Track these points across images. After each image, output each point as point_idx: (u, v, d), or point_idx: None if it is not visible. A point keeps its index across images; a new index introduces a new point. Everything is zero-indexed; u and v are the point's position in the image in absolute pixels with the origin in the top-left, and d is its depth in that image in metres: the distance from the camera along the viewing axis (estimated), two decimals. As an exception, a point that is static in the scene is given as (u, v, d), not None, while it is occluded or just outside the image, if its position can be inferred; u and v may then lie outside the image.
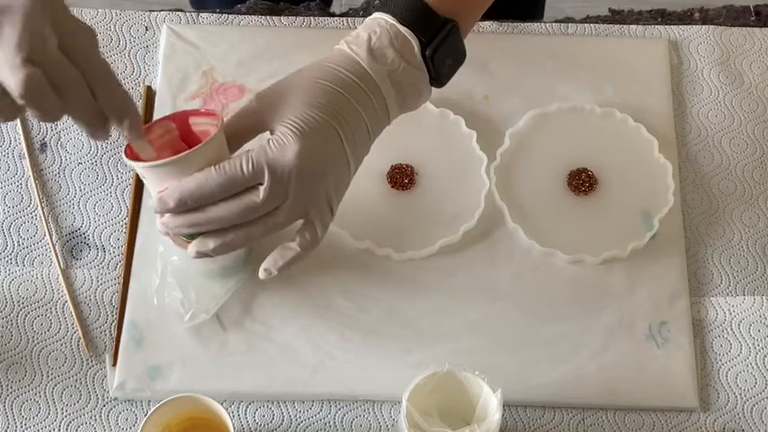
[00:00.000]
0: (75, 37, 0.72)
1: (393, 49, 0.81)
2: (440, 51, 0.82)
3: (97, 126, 0.75)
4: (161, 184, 0.79)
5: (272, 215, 0.78)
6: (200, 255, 0.80)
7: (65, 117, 0.98)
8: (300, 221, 0.81)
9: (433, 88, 0.85)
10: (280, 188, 0.77)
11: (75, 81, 0.72)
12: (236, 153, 0.80)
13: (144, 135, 0.78)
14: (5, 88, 0.70)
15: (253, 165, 0.76)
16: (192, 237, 0.81)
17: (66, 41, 0.71)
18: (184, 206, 0.77)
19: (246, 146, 0.82)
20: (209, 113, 0.82)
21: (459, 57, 0.85)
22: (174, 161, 0.77)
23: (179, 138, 0.82)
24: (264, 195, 0.77)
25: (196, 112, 0.83)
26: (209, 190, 0.77)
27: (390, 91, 0.81)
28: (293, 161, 0.76)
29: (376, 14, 0.83)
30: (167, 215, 0.79)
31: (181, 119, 0.82)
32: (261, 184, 0.77)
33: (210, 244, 0.79)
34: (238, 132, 0.81)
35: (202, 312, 0.89)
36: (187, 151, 0.77)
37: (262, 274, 0.82)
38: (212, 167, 0.77)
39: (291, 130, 0.77)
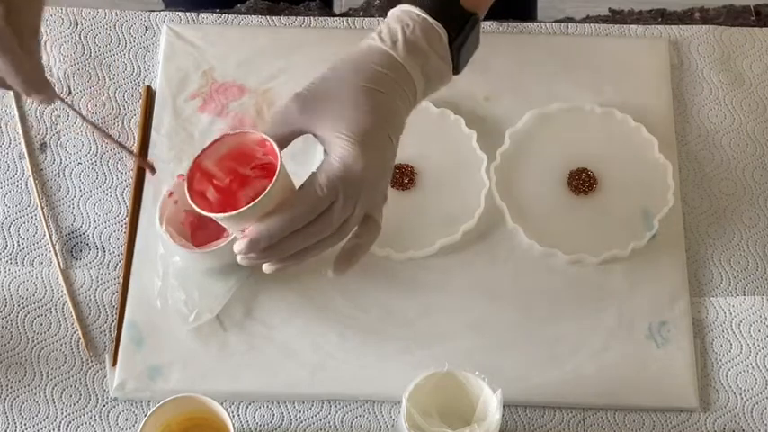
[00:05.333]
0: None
1: (426, 41, 0.81)
2: (466, 44, 0.83)
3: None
4: (240, 225, 0.78)
5: (343, 226, 0.79)
6: (276, 272, 0.81)
7: (65, 117, 0.98)
8: None
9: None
10: (351, 202, 0.78)
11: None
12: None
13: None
14: None
15: (328, 187, 0.77)
16: None
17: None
18: (272, 242, 0.77)
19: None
20: (259, 142, 0.80)
21: (476, 46, 0.87)
22: (252, 207, 0.76)
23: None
24: (338, 213, 0.78)
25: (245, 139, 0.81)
26: (296, 222, 0.77)
27: (421, 81, 0.82)
28: (362, 176, 0.77)
29: (406, 7, 0.83)
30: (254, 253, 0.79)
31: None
32: (334, 201, 0.77)
33: (288, 265, 0.81)
34: (281, 139, 0.80)
35: (206, 312, 0.89)
36: (262, 195, 0.76)
37: (331, 275, 0.83)
38: (293, 200, 0.77)
39: (351, 143, 0.78)
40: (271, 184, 0.76)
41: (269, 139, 0.78)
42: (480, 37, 0.86)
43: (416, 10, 0.82)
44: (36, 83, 0.80)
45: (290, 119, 0.80)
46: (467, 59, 0.86)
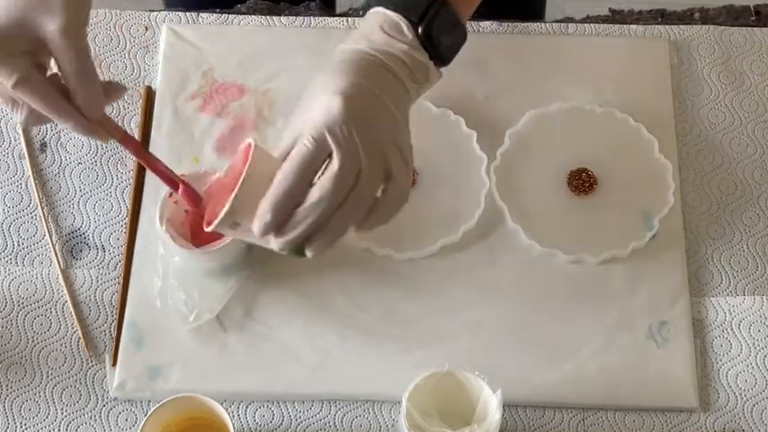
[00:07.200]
0: (50, 43, 0.77)
1: (382, 31, 0.82)
2: (434, 29, 0.82)
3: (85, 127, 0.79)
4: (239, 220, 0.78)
5: (359, 183, 0.77)
6: (318, 254, 0.79)
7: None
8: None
9: (443, 70, 0.86)
10: (348, 146, 0.76)
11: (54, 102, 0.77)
12: None
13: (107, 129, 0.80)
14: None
15: (312, 136, 0.76)
16: (300, 252, 0.79)
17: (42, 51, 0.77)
18: (280, 211, 0.76)
19: None
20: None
21: (457, 34, 0.85)
22: (237, 193, 0.77)
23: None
24: (339, 157, 0.75)
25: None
26: (291, 182, 0.76)
27: (399, 64, 0.81)
28: (342, 112, 0.76)
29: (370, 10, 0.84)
30: (277, 238, 0.78)
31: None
32: (330, 154, 0.76)
33: (320, 239, 0.78)
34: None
35: (206, 312, 0.89)
36: (242, 179, 0.77)
37: (356, 232, 0.81)
38: (282, 164, 0.77)
39: (325, 94, 0.77)
40: (246, 167, 0.76)
41: (253, 141, 0.78)
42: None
43: (377, 8, 0.83)
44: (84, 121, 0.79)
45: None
46: (451, 49, 0.85)
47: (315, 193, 0.76)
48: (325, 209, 0.76)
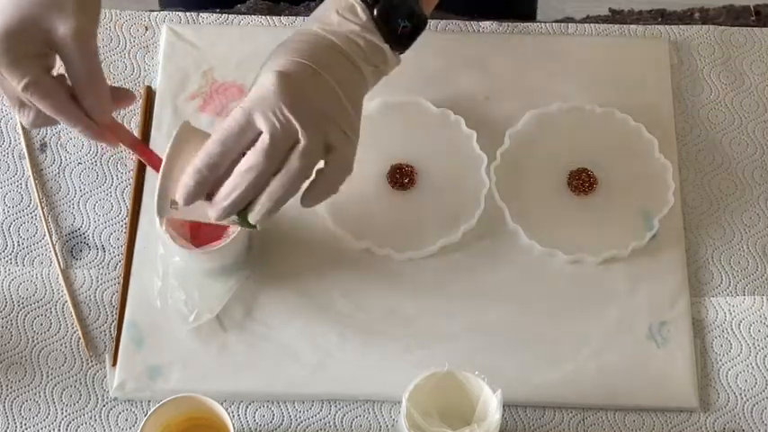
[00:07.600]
0: (60, 48, 0.77)
1: (336, 14, 0.82)
2: (389, 11, 0.83)
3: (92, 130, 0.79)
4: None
5: (292, 155, 0.77)
6: (263, 219, 0.79)
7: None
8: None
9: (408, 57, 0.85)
10: (277, 121, 0.76)
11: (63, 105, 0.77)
12: None
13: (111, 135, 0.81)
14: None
15: (241, 108, 0.77)
16: (244, 221, 0.80)
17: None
18: (202, 179, 0.77)
19: None
20: None
21: (415, 20, 0.84)
22: (166, 162, 0.77)
23: None
24: (267, 131, 0.76)
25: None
26: (213, 151, 0.77)
27: (351, 46, 0.82)
28: (275, 87, 0.77)
29: None
30: (212, 207, 0.78)
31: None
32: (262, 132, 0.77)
33: (257, 208, 0.78)
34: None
35: (207, 312, 0.89)
36: (167, 151, 0.78)
37: (303, 205, 0.82)
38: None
39: (264, 73, 0.79)
40: (169, 145, 0.77)
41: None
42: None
43: None
44: (91, 126, 0.80)
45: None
46: (409, 36, 0.84)
47: (243, 164, 0.77)
48: (254, 179, 0.76)
